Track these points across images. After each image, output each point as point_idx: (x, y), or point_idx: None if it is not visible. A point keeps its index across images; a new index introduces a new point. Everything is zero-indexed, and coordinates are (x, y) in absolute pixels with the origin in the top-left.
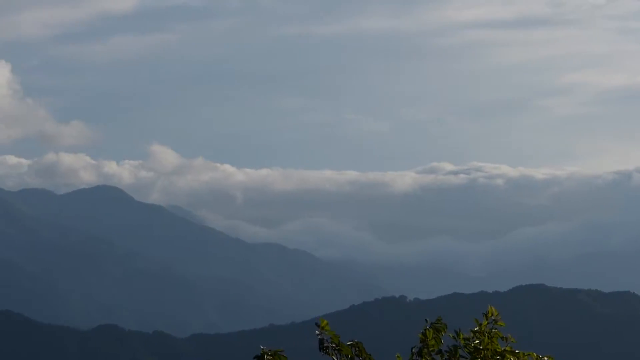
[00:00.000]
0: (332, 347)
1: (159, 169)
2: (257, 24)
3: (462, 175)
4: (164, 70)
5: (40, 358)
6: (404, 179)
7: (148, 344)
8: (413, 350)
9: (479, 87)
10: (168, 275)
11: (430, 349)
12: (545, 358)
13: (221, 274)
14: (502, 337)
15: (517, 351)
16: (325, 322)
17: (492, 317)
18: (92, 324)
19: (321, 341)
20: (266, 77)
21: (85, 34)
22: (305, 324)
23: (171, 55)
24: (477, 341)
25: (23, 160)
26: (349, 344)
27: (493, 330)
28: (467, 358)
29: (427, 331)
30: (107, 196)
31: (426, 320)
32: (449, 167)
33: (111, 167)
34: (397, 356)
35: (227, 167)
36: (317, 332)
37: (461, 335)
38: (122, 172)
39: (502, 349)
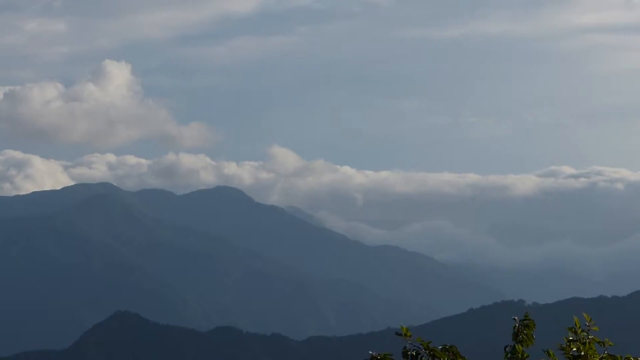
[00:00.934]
0: (421, 354)
1: (279, 170)
2: (378, 27)
3: (582, 179)
4: (284, 72)
5: (158, 359)
6: (525, 182)
7: (266, 347)
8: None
9: (600, 91)
10: (286, 277)
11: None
12: None
13: (339, 276)
14: (599, 342)
15: (615, 355)
16: (405, 329)
17: (587, 325)
18: (210, 325)
19: (405, 350)
20: (387, 79)
21: (206, 35)
22: (423, 327)
23: (292, 57)
24: (574, 349)
25: (143, 161)
26: (441, 349)
27: (590, 337)
28: None
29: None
30: (226, 197)
31: (514, 319)
32: (569, 170)
33: (231, 168)
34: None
35: (347, 169)
36: (407, 341)
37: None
38: (242, 173)
39: (600, 356)
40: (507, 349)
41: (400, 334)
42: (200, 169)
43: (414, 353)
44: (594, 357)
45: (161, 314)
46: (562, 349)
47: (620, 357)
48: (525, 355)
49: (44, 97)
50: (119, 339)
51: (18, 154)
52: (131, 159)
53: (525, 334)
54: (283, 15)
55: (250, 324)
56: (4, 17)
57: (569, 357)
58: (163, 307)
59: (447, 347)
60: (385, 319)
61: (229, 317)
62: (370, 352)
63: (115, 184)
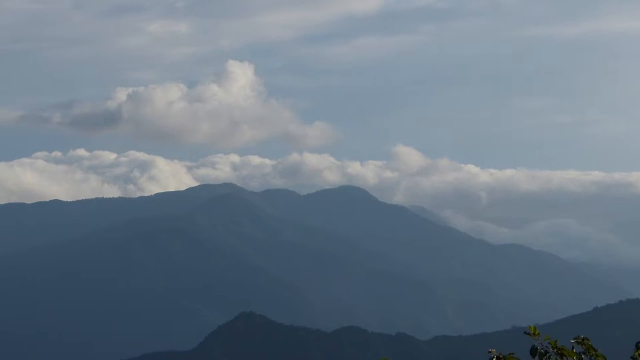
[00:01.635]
0: (551, 352)
1: (403, 169)
2: (501, 25)
3: None
4: (408, 71)
5: (284, 359)
6: None
7: (390, 346)
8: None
9: None
10: (410, 276)
11: None
12: None
13: (464, 275)
14: None
15: None
16: (533, 328)
17: None
18: (335, 325)
19: (534, 348)
20: (511, 77)
21: (329, 35)
22: (548, 326)
23: (415, 56)
24: None
25: (267, 161)
26: (574, 341)
27: None
28: None
29: None
30: (350, 197)
31: None
32: None
33: (355, 167)
34: None
35: (472, 168)
36: (535, 340)
37: None
38: (366, 172)
39: None
40: (639, 345)
41: (528, 333)
42: (324, 168)
43: (543, 351)
44: None
45: (286, 314)
46: None
47: None
48: None
49: (167, 98)
50: (244, 339)
51: (142, 155)
52: (255, 159)
53: None
54: (406, 14)
55: (374, 324)
56: (127, 18)
57: None
58: (287, 308)
59: (580, 339)
60: (509, 318)
61: (354, 317)
62: (489, 349)
63: (239, 185)
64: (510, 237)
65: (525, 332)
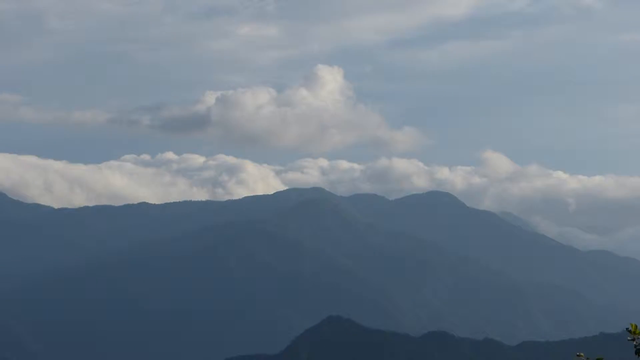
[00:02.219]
0: None
1: (492, 175)
2: (591, 31)
3: None
4: (497, 76)
5: None
6: None
7: (478, 352)
8: None
9: None
10: (498, 281)
11: None
12: None
13: (551, 281)
14: None
15: None
16: (634, 326)
17: None
18: (422, 330)
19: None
20: (601, 84)
21: (419, 39)
22: None
23: (504, 61)
24: None
25: (356, 165)
26: None
27: None
28: None
29: None
30: (438, 202)
31: None
32: None
33: (443, 172)
34: None
35: (560, 174)
36: (628, 338)
37: None
38: (454, 178)
39: None
40: None
41: (629, 330)
42: (412, 173)
43: None
44: None
45: (373, 318)
46: None
47: None
48: None
49: (256, 102)
50: (332, 343)
51: (231, 159)
52: (343, 164)
53: None
54: (496, 20)
55: (462, 329)
56: (218, 21)
57: None
58: (375, 312)
59: None
60: (598, 324)
61: (441, 322)
62: (577, 353)
63: (327, 189)
64: (598, 244)
65: (626, 329)
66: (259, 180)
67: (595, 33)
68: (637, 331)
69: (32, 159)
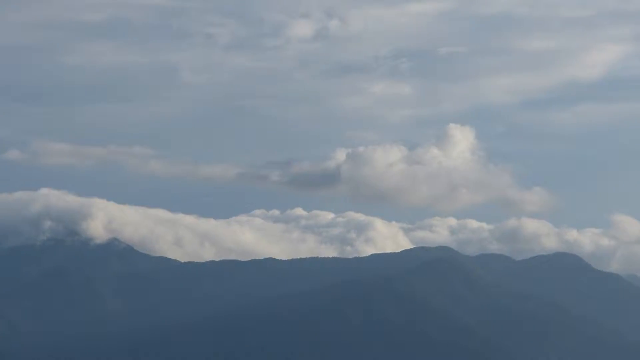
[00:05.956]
0: None
1: (621, 237)
2: None
3: None
4: (629, 139)
5: None
6: None
7: None
8: None
9: None
10: (620, 342)
11: None
12: None
13: None
14: None
15: None
16: None
17: None
18: None
19: None
20: None
21: (551, 100)
22: None
23: (637, 124)
24: None
25: (485, 225)
26: None
27: None
28: None
29: None
30: (564, 263)
31: None
32: None
33: (572, 234)
34: None
35: None
36: None
37: None
38: (583, 239)
39: None
40: None
41: None
42: (542, 235)
43: None
44: None
45: None
46: None
47: None
48: None
49: (387, 160)
50: None
51: (360, 216)
52: (472, 223)
53: None
54: (630, 82)
55: None
56: (352, 78)
57: None
58: None
59: None
60: None
61: None
62: None
63: (454, 248)
64: None
65: None
66: (387, 238)
67: None
68: None
69: (162, 213)
